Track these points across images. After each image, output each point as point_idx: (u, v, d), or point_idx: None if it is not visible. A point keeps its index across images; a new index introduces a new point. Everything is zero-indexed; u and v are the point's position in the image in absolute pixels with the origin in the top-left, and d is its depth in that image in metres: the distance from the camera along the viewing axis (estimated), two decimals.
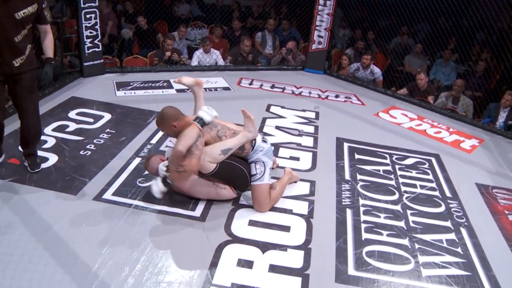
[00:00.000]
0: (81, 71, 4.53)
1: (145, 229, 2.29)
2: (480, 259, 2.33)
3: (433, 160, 3.43)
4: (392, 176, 3.08)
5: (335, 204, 2.67)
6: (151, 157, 2.53)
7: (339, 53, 5.67)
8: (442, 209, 2.76)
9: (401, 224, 2.55)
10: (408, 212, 2.68)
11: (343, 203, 2.69)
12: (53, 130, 3.29)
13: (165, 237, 2.25)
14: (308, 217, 2.52)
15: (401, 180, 3.05)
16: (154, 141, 3.26)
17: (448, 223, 2.61)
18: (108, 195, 2.55)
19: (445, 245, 2.41)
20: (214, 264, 2.08)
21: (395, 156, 3.40)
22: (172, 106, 2.40)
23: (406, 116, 4.36)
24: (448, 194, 2.95)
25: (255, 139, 2.43)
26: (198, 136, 2.25)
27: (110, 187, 2.62)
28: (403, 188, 2.94)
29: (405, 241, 2.40)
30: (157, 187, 2.29)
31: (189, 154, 2.22)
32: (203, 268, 2.06)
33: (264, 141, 2.49)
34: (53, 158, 2.89)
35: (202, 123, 2.27)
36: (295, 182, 2.81)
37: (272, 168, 2.57)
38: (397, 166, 3.24)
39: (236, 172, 2.42)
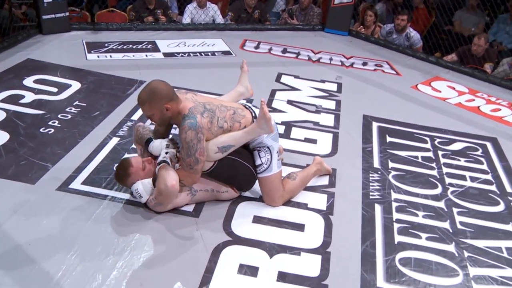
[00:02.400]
0: (39, 26, 4.46)
1: (124, 227, 2.27)
2: None
3: (489, 145, 3.41)
4: (433, 165, 3.07)
5: (360, 198, 2.66)
6: (131, 164, 2.33)
7: (369, 9, 5.57)
8: (500, 208, 2.73)
9: (445, 225, 2.53)
10: (455, 210, 2.66)
11: (371, 197, 2.68)
12: (3, 101, 3.27)
13: (149, 236, 2.24)
14: (327, 214, 2.51)
15: (445, 169, 3.03)
16: (135, 117, 3.23)
17: (509, 227, 2.58)
18: (76, 184, 2.53)
19: (505, 254, 2.37)
20: (209, 271, 2.07)
21: (438, 140, 3.38)
22: (165, 81, 2.30)
23: (454, 89, 4.34)
24: (509, 189, 2.92)
25: (256, 117, 2.39)
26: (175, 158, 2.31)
27: (79, 174, 2.61)
28: (448, 180, 2.92)
29: (451, 247, 2.38)
30: (143, 188, 2.28)
31: (188, 169, 2.23)
32: (196, 275, 2.05)
33: None
34: (3, 137, 2.86)
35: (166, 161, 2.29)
36: (328, 175, 2.82)
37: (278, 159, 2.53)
38: (440, 152, 3.22)
39: (239, 171, 2.40)
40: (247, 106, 2.46)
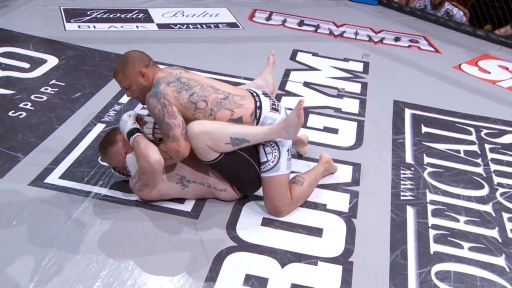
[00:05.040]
0: None
1: (109, 229, 2.29)
2: None
3: None
4: (479, 161, 3.06)
5: (389, 199, 2.67)
6: (119, 131, 2.42)
7: None
8: None
9: (493, 233, 2.52)
10: (505, 215, 2.65)
11: (402, 198, 2.68)
12: None
13: (139, 240, 2.25)
14: (349, 216, 2.51)
15: (493, 166, 3.02)
16: (124, 100, 3.25)
17: None
18: (53, 178, 2.55)
19: None
20: (210, 281, 2.08)
21: (485, 131, 3.37)
22: (141, 51, 2.43)
23: (507, 69, 4.32)
24: None
25: (260, 107, 2.38)
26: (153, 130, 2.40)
27: (57, 166, 2.62)
28: (496, 179, 2.91)
29: (500, 260, 2.36)
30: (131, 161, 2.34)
31: (167, 139, 2.26)
32: (194, 287, 2.05)
33: (276, 109, 2.43)
34: None
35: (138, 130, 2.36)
36: (332, 173, 2.82)
37: (302, 155, 2.51)
38: (487, 146, 3.22)
39: (246, 170, 2.40)
40: (255, 94, 2.44)
